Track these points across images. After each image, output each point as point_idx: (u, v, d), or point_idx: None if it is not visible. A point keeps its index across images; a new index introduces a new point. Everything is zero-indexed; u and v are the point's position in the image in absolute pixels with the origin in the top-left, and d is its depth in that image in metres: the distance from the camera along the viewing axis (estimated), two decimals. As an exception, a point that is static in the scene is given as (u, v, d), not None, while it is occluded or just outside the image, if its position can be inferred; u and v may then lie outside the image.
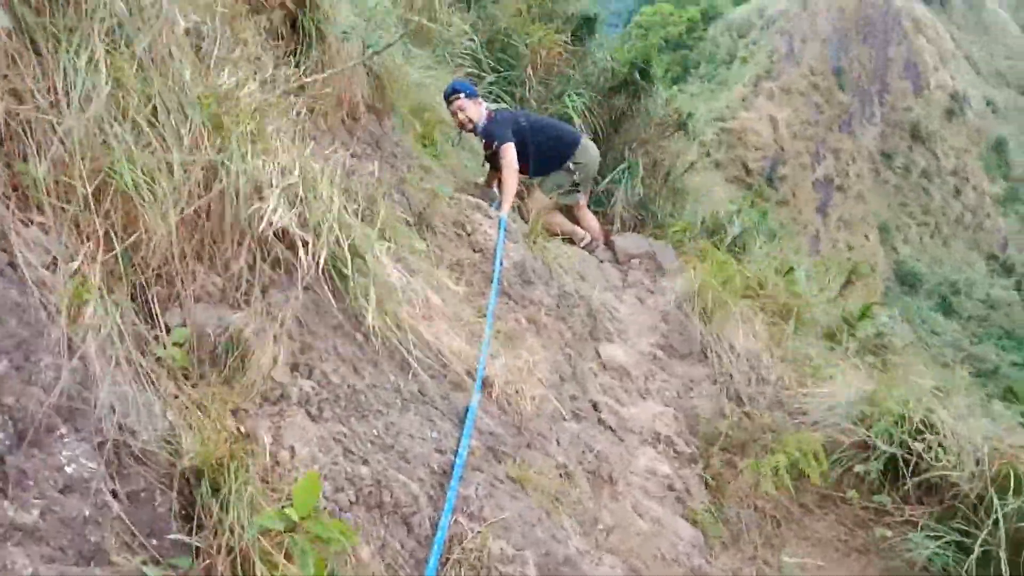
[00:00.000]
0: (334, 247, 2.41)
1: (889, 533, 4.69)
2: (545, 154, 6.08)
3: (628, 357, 5.00)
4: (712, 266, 6.01)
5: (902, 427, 4.74)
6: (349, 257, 2.44)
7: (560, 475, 3.34)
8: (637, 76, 8.57)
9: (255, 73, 2.76)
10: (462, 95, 5.99)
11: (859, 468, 4.72)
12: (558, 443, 3.58)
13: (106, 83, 1.73)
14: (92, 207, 1.67)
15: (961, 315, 44.75)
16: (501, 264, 4.36)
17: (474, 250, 4.43)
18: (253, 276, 2.15)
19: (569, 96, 8.66)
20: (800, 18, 44.94)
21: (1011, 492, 4.47)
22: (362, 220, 3.37)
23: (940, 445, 4.56)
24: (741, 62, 43.12)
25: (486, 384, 3.21)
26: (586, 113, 8.60)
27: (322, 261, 2.29)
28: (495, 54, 8.58)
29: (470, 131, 6.11)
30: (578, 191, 6.35)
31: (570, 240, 6.20)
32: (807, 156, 44.65)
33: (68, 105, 1.65)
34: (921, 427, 4.74)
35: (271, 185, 2.20)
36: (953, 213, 49.52)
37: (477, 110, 5.99)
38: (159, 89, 1.87)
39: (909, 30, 50.14)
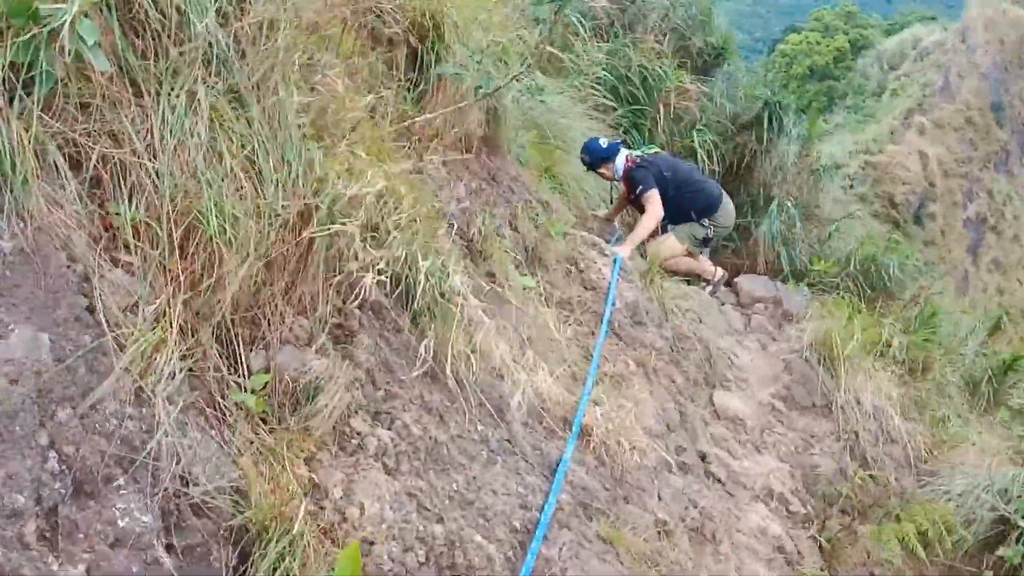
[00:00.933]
0: (428, 289, 2.37)
1: (1027, 619, 4.28)
2: (683, 208, 5.99)
3: (745, 407, 4.77)
4: (849, 315, 5.66)
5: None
6: (443, 300, 2.39)
7: (658, 532, 3.18)
8: (766, 114, 8.27)
9: (370, 110, 2.77)
10: (602, 163, 6.03)
11: (1004, 552, 4.31)
12: (659, 497, 3.42)
13: (204, 126, 1.75)
14: (178, 249, 1.69)
15: None
16: (613, 304, 4.24)
17: (586, 288, 4.33)
18: (342, 318, 2.13)
19: (698, 130, 8.48)
20: (957, 50, 42.61)
21: None
22: (469, 259, 3.34)
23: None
24: (892, 95, 41.19)
25: (584, 433, 3.10)
26: (712, 151, 8.40)
27: (417, 304, 2.26)
28: (626, 87, 8.48)
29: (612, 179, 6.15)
30: (707, 246, 6.23)
31: (689, 280, 6.02)
32: (959, 194, 42.14)
33: (163, 149, 1.68)
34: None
35: (367, 227, 2.18)
36: (1122, 261, 45.59)
37: (611, 168, 6.01)
38: (259, 131, 1.89)
39: (1080, 64, 46.69)
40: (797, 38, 48.71)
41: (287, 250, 2.02)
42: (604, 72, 8.58)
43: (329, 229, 2.08)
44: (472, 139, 4.00)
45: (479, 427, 2.42)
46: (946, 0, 48.53)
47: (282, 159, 1.99)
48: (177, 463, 1.56)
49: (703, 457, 4.23)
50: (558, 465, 2.64)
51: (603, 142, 6.16)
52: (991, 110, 44.02)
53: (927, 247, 39.42)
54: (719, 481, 4.24)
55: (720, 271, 6.08)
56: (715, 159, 8.41)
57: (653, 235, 5.81)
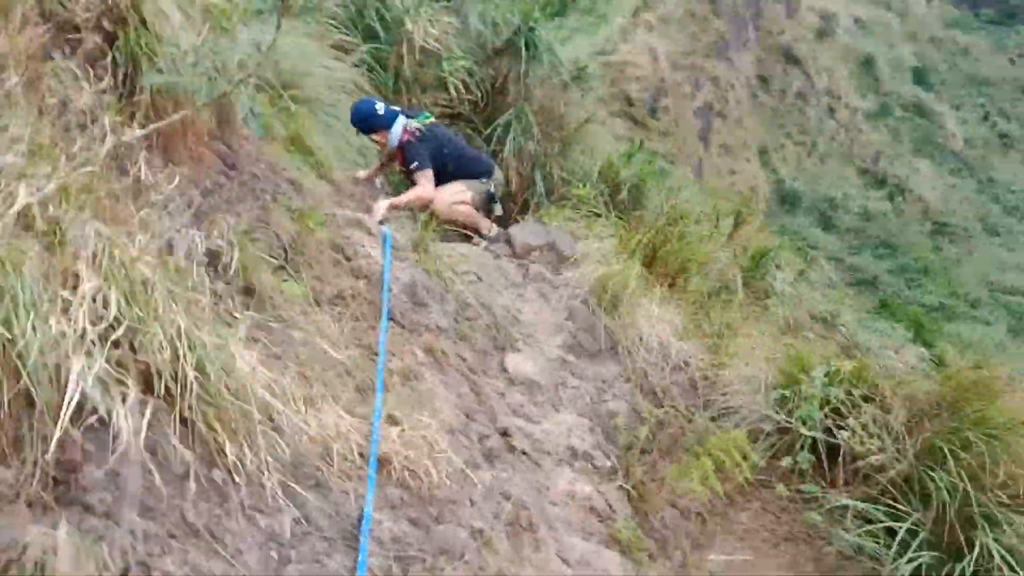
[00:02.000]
0: (187, 378, 1.93)
1: (819, 519, 4.55)
2: (462, 177, 5.91)
3: (536, 366, 4.64)
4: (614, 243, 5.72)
5: (824, 410, 4.58)
6: (191, 375, 1.95)
7: (476, 546, 2.97)
8: (522, 43, 8.12)
9: (64, 136, 2.18)
10: (377, 130, 5.75)
11: (786, 461, 4.54)
12: (471, 502, 3.20)
13: None
14: None
15: (840, 229, 46.45)
16: (389, 290, 3.90)
17: (357, 277, 3.94)
18: (59, 452, 1.64)
19: (449, 61, 8.14)
20: (672, -54, 44.80)
21: (938, 467, 4.38)
22: (217, 279, 2.86)
23: (864, 428, 4.41)
24: (618, -7, 42.73)
25: (383, 463, 2.78)
26: (467, 79, 8.13)
27: (161, 395, 1.81)
28: (365, 22, 7.93)
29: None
30: (493, 202, 6.18)
31: (466, 236, 5.83)
32: (687, 85, 44.97)
33: None
34: (841, 408, 4.60)
35: (79, 335, 1.68)
36: (828, 131, 50.95)
37: (386, 136, 5.74)
38: None
39: (778, -48, 50.66)
40: (525, -56, 49.00)
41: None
42: (337, 7, 8.03)
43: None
44: (198, 124, 3.43)
45: (262, 525, 2.03)
46: None
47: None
48: None
49: (504, 432, 4.06)
50: (360, 523, 2.32)
51: (379, 107, 5.78)
52: (708, 1, 47.04)
53: (663, 138, 41.98)
54: (524, 453, 4.10)
55: (495, 226, 5.94)
56: (470, 87, 8.18)
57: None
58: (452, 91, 7.98)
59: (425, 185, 5.65)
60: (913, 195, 50.35)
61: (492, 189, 6.09)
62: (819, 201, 47.54)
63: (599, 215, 7.31)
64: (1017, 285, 44.83)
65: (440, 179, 5.74)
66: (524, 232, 5.60)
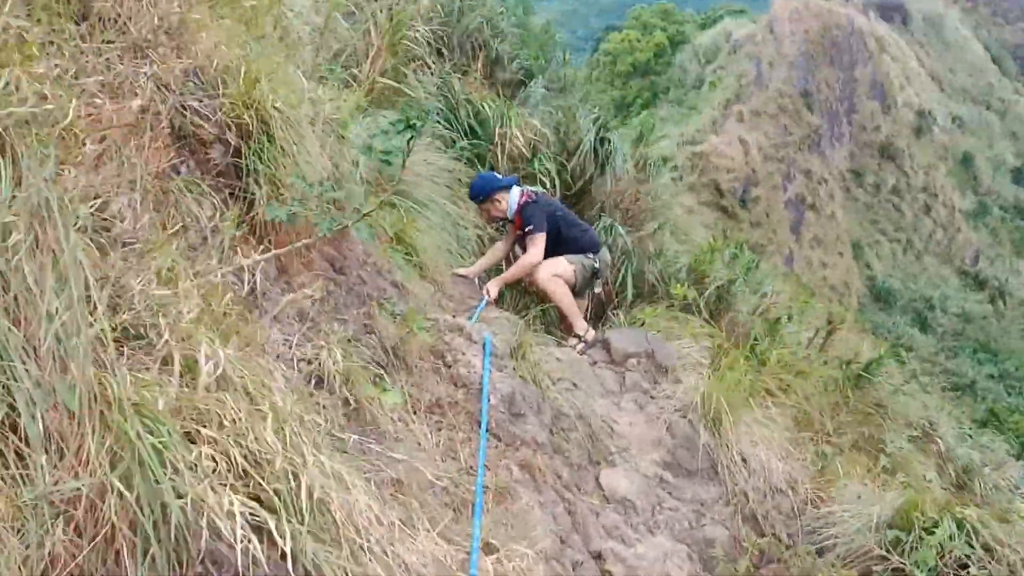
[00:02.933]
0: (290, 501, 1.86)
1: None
2: (572, 245, 5.91)
3: (632, 484, 4.45)
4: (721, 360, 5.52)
5: (943, 557, 4.24)
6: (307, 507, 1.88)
7: None
8: (594, 143, 8.32)
9: (187, 254, 2.20)
10: (499, 191, 5.83)
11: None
12: (565, 641, 3.02)
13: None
14: None
15: (936, 330, 44.74)
16: (488, 401, 3.81)
17: (456, 385, 3.87)
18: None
19: (539, 159, 8.27)
20: (767, 41, 45.09)
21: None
22: (320, 397, 2.82)
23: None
24: (710, 87, 43.07)
25: (479, 598, 2.65)
26: (556, 176, 8.25)
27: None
28: (462, 120, 8.12)
29: (501, 220, 6.01)
30: (597, 278, 6.11)
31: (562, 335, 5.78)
32: (778, 177, 44.65)
33: None
34: (962, 558, 4.25)
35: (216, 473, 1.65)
36: (925, 229, 49.64)
37: (505, 199, 5.83)
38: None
39: (874, 50, 50.42)
40: (618, 36, 50.11)
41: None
42: (437, 104, 8.23)
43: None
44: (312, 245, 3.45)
45: None
46: (754, -6, 51.08)
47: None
48: None
49: (598, 556, 3.88)
50: None
51: (497, 175, 6.08)
52: (801, 96, 46.94)
53: (754, 228, 41.55)
54: (617, 580, 3.90)
55: (592, 331, 5.79)
56: (559, 182, 8.30)
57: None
58: (545, 183, 8.08)
59: (533, 252, 5.61)
60: (1014, 299, 48.33)
61: (597, 264, 5.98)
62: (915, 300, 46.06)
63: (692, 314, 7.18)
64: None
65: (551, 243, 5.69)
66: (622, 338, 5.47)
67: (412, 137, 3.20)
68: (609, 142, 8.64)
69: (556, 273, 5.71)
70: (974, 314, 46.30)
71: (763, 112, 43.93)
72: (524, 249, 5.77)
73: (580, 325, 5.82)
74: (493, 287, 5.48)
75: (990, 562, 4.25)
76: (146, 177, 2.35)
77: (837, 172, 48.26)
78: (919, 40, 58.71)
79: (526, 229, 5.67)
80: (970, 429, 10.83)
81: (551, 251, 5.72)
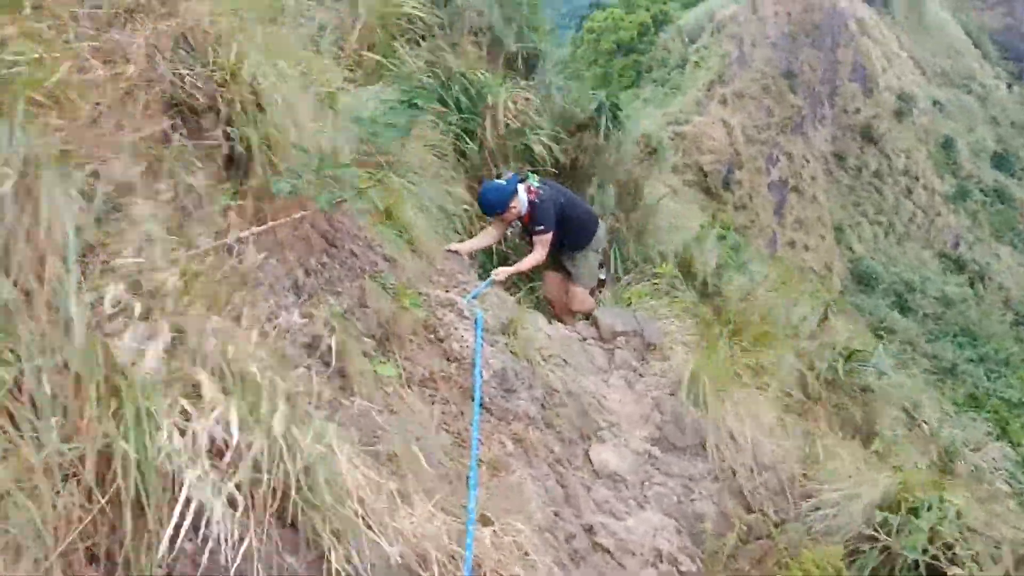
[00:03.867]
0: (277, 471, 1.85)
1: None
2: (576, 232, 6.09)
3: (622, 459, 4.47)
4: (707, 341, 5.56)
5: (933, 541, 4.28)
6: (296, 478, 1.87)
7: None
8: (606, 118, 8.19)
9: (180, 222, 2.16)
10: (512, 198, 5.77)
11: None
12: (558, 613, 3.03)
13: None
14: None
15: (917, 313, 45.13)
16: (481, 376, 3.80)
17: (449, 359, 3.86)
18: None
19: (532, 132, 8.20)
20: (750, 21, 45.03)
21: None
22: (313, 369, 2.79)
23: (974, 560, 4.11)
24: (694, 67, 42.96)
25: (475, 571, 2.65)
26: (551, 150, 8.18)
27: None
28: (452, 94, 8.04)
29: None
30: (602, 269, 6.47)
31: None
32: (761, 159, 44.71)
33: None
34: (950, 540, 4.29)
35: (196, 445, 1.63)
36: (906, 212, 49.92)
37: (518, 203, 5.81)
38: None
39: (855, 32, 50.48)
40: (602, 15, 49.84)
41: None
42: (427, 78, 8.14)
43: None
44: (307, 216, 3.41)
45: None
46: (737, -25, 50.71)
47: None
48: None
49: (589, 529, 3.89)
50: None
51: (500, 182, 5.90)
52: (784, 77, 46.94)
53: (737, 211, 41.63)
54: (608, 552, 3.92)
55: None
56: (553, 160, 8.24)
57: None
58: (538, 158, 8.02)
59: (540, 252, 5.77)
60: (994, 283, 48.81)
61: (601, 258, 6.38)
62: (896, 283, 46.41)
63: (679, 293, 7.21)
64: (1104, 385, 42.85)
65: (560, 231, 5.83)
66: (611, 317, 5.47)
67: (415, 115, 3.17)
68: (617, 118, 8.59)
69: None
70: (954, 298, 46.71)
71: (746, 93, 43.92)
72: (531, 243, 5.93)
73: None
74: (503, 273, 5.52)
75: (975, 543, 4.31)
76: (139, 143, 2.31)
77: (819, 154, 48.41)
78: (900, 22, 58.81)
79: (536, 228, 5.79)
80: (951, 410, 11.00)
81: (558, 234, 5.86)
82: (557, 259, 6.16)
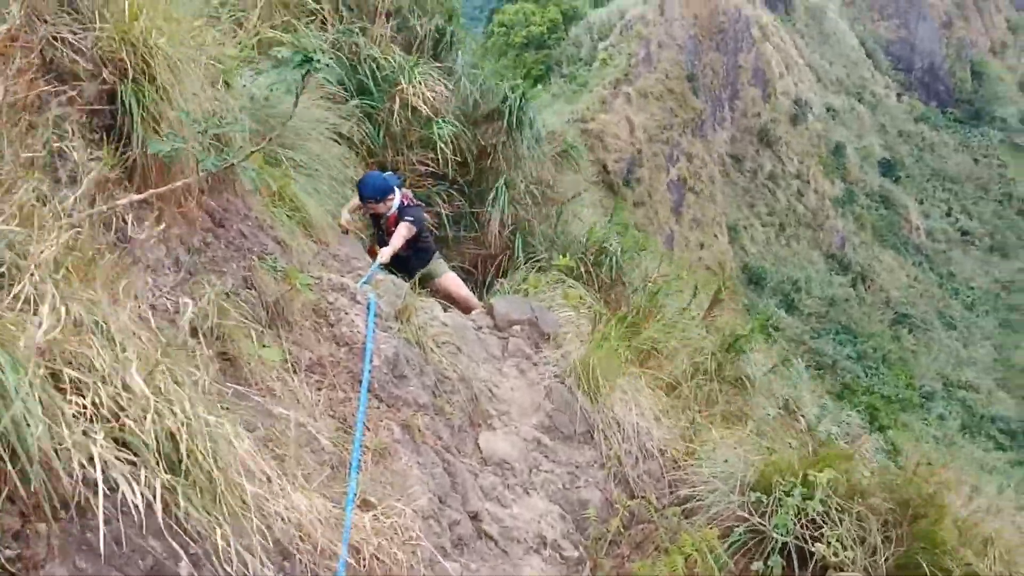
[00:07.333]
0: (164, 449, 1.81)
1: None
2: (424, 251, 6.55)
3: (511, 448, 4.52)
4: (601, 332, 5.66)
5: (800, 518, 4.49)
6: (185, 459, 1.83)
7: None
8: (507, 113, 8.23)
9: (53, 190, 2.07)
10: (392, 192, 6.11)
11: (757, 565, 4.43)
12: (439, 596, 3.06)
13: None
14: None
15: (803, 311, 47.03)
16: (371, 361, 3.77)
17: (338, 344, 3.82)
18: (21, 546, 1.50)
19: (437, 123, 8.14)
20: (658, 23, 45.90)
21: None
22: (196, 350, 2.73)
23: (839, 540, 4.32)
24: (601, 64, 43.52)
25: (353, 552, 2.64)
26: (454, 141, 8.14)
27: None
28: (358, 77, 7.91)
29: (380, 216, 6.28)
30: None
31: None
32: (662, 158, 45.70)
33: None
34: (818, 519, 4.50)
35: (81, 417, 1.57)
36: (796, 214, 51.90)
37: (392, 200, 6.14)
38: None
39: (757, 38, 52.08)
40: (513, 8, 49.85)
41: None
42: (332, 61, 7.99)
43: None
44: (192, 183, 3.31)
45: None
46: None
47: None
48: None
49: (475, 516, 3.93)
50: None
51: (387, 175, 6.28)
52: (687, 79, 48.02)
53: (637, 208, 42.45)
54: (492, 539, 3.96)
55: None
56: (457, 149, 8.20)
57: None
58: (439, 152, 7.97)
59: (406, 227, 6.04)
60: (875, 284, 51.29)
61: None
62: (784, 282, 48.18)
63: (577, 283, 7.33)
64: (971, 381, 45.59)
65: (415, 242, 6.23)
66: (506, 305, 5.51)
67: (308, 72, 3.12)
68: (524, 111, 8.64)
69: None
70: (838, 297, 48.87)
71: (650, 93, 44.77)
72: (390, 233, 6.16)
73: (476, 304, 6.32)
74: (386, 253, 5.73)
75: (841, 521, 4.53)
76: (10, 108, 2.20)
77: (717, 156, 49.77)
78: (800, 30, 60.99)
79: (406, 217, 6.08)
80: (830, 404, 11.52)
81: (412, 245, 6.23)
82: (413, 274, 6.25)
